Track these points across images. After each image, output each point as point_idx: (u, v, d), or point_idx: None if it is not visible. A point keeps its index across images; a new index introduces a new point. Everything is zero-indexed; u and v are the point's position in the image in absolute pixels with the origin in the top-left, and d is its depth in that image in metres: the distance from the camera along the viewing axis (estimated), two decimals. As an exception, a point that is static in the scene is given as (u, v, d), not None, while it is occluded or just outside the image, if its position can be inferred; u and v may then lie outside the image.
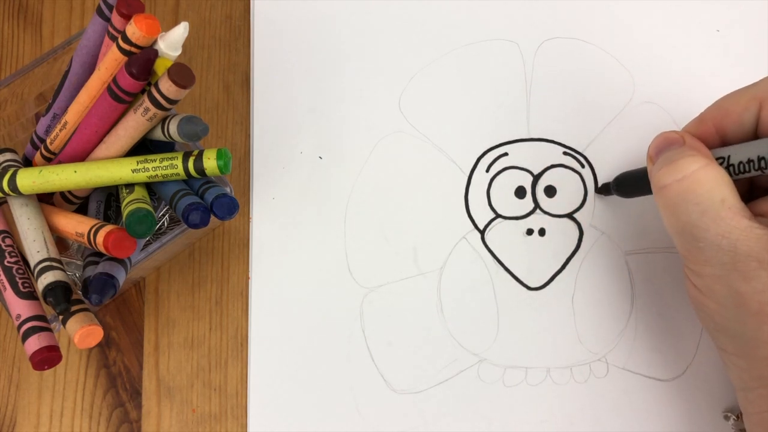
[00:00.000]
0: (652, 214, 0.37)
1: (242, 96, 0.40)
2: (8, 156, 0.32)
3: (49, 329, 0.27)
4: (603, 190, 0.37)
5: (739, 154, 0.28)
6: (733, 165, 0.28)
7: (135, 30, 0.26)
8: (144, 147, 0.32)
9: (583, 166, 0.38)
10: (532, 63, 0.39)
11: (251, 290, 0.37)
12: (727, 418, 0.34)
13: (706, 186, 0.27)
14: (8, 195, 0.29)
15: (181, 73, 0.26)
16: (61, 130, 0.31)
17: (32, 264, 0.28)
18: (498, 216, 0.37)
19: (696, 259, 0.28)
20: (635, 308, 0.36)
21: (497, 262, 0.37)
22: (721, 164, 0.28)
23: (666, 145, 0.29)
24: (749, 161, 0.27)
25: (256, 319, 0.36)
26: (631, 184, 0.34)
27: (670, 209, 0.28)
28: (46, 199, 0.33)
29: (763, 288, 0.26)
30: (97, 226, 0.28)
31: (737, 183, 0.28)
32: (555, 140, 0.38)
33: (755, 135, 0.29)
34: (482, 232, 0.37)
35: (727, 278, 0.27)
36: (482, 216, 0.37)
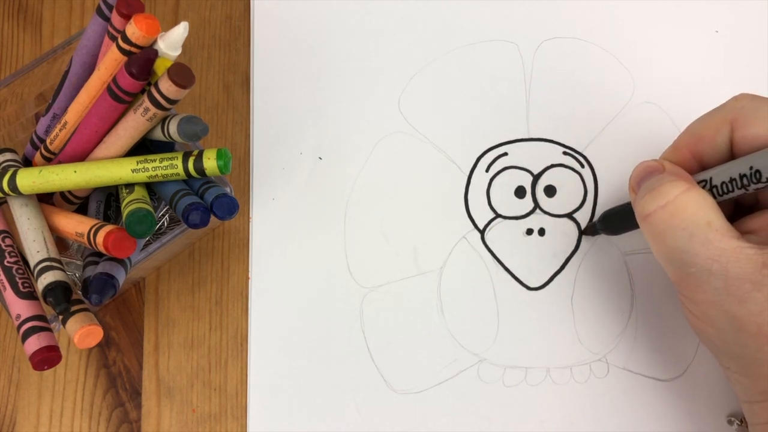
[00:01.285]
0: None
1: (242, 96, 0.40)
2: (8, 156, 0.32)
3: (49, 329, 0.27)
4: (589, 230, 0.37)
5: (720, 175, 0.28)
6: (716, 186, 0.28)
7: (135, 30, 0.26)
8: (144, 147, 0.32)
9: (582, 165, 0.38)
10: (532, 63, 0.39)
11: (251, 290, 0.37)
12: (731, 422, 0.34)
13: (690, 209, 0.27)
14: (8, 195, 0.29)
15: (181, 73, 0.26)
16: (61, 130, 0.31)
17: (32, 264, 0.28)
18: (498, 216, 0.37)
19: (689, 285, 0.27)
20: (635, 308, 0.36)
21: (497, 262, 0.37)
22: (704, 187, 0.28)
23: (647, 174, 0.29)
24: (731, 180, 0.27)
25: (256, 319, 0.36)
26: (617, 219, 0.34)
27: (658, 237, 0.28)
28: (46, 199, 0.33)
29: (759, 310, 0.25)
30: (97, 226, 0.28)
31: (722, 206, 0.27)
32: (555, 140, 0.38)
33: (731, 156, 0.29)
34: (482, 232, 0.37)
35: (721, 303, 0.26)
36: (482, 216, 0.37)
